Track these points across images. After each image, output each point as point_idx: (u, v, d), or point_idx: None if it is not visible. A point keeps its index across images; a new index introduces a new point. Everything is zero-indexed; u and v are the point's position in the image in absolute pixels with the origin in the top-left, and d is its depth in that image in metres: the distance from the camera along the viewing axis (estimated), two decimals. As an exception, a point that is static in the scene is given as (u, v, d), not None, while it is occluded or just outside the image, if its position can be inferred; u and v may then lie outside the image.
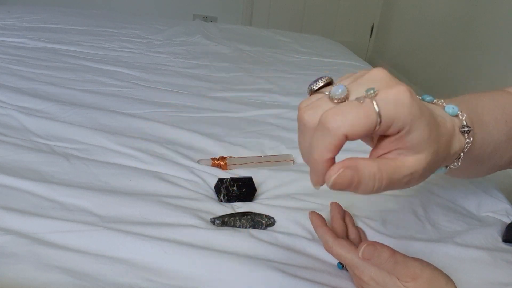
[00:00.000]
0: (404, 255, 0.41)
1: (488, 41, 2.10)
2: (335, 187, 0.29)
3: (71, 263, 0.44)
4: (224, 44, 1.51)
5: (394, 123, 0.28)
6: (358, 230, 0.55)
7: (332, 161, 0.30)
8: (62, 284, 0.41)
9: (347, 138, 0.28)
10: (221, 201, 0.59)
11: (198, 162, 0.68)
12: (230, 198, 0.59)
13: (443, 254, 0.52)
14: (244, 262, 0.46)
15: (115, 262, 0.45)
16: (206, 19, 3.20)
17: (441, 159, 0.34)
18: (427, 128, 0.30)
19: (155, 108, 0.88)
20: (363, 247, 0.41)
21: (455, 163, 0.37)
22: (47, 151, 0.66)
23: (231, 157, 0.69)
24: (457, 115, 0.36)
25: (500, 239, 0.58)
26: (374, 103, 0.28)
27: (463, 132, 0.36)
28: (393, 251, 0.41)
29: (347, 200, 0.59)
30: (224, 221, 0.53)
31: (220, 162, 0.67)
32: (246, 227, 0.53)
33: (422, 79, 2.76)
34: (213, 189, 0.61)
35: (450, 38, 2.45)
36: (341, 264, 0.46)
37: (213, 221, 0.53)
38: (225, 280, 0.44)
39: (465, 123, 0.36)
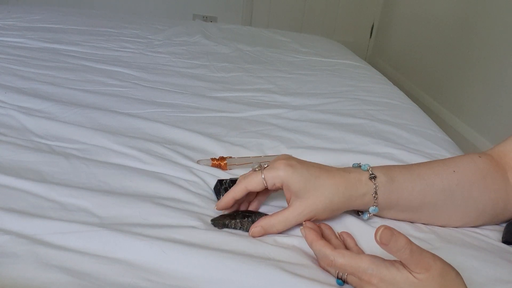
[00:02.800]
0: (417, 245, 0.41)
1: (488, 41, 2.10)
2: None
3: (70, 262, 0.44)
4: (224, 44, 1.51)
5: (275, 182, 0.52)
6: (343, 238, 0.53)
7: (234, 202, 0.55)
8: (62, 284, 0.41)
9: (247, 189, 0.53)
10: (221, 201, 0.59)
11: (198, 162, 0.68)
12: (229, 198, 0.59)
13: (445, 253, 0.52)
14: (244, 261, 0.46)
15: (115, 262, 0.44)
16: (206, 19, 3.20)
17: (347, 197, 0.52)
18: (301, 181, 0.51)
19: (155, 108, 0.88)
20: (380, 231, 0.41)
21: (374, 206, 0.53)
22: (47, 151, 0.66)
23: (231, 157, 0.69)
24: (367, 169, 0.54)
25: (498, 238, 0.58)
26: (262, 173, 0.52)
27: (371, 179, 0.53)
28: (409, 240, 0.41)
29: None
30: (225, 224, 0.53)
31: (220, 162, 0.67)
32: (247, 230, 0.53)
33: (422, 79, 2.75)
34: (213, 190, 0.61)
35: (450, 38, 2.45)
36: (341, 279, 0.45)
37: (213, 223, 0.53)
38: (224, 280, 0.44)
39: (370, 173, 0.53)
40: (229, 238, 0.50)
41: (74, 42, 1.29)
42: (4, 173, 0.57)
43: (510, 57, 1.92)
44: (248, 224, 0.53)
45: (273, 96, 1.04)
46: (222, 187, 0.58)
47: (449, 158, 0.61)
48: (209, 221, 0.53)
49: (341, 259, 0.44)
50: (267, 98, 1.02)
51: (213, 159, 0.68)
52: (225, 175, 0.65)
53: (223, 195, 0.58)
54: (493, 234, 0.59)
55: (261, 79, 1.16)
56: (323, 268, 0.48)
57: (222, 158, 0.68)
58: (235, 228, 0.53)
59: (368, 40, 3.59)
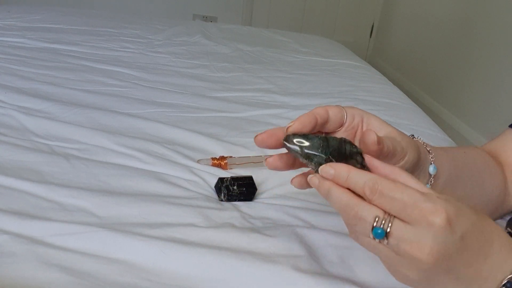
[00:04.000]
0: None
1: (488, 41, 2.10)
2: None
3: (70, 262, 0.44)
4: (224, 44, 1.51)
5: (355, 115, 0.46)
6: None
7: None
8: (62, 283, 0.41)
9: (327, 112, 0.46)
10: (222, 200, 0.59)
11: (198, 161, 0.68)
12: (230, 197, 0.58)
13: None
14: (244, 258, 0.46)
15: (115, 262, 0.44)
16: (206, 19, 3.20)
17: (415, 144, 0.47)
18: (380, 120, 0.47)
19: (155, 108, 0.88)
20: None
21: (432, 163, 0.49)
22: (47, 151, 0.66)
23: (231, 156, 0.69)
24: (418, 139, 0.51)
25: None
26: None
27: (423, 145, 0.50)
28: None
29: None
30: (290, 143, 0.42)
31: (220, 162, 0.67)
32: (317, 171, 0.40)
33: (422, 79, 2.76)
34: (214, 188, 0.61)
35: (450, 38, 2.45)
36: (381, 227, 0.33)
37: (286, 138, 0.43)
38: (225, 279, 0.44)
39: (420, 139, 0.51)
40: (229, 235, 0.50)
41: (74, 42, 1.29)
42: (4, 173, 0.57)
43: (510, 57, 1.92)
44: (320, 164, 0.39)
45: (273, 96, 1.04)
46: (223, 184, 0.58)
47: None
48: (210, 218, 0.53)
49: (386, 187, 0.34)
50: (267, 98, 1.02)
51: (213, 159, 0.68)
52: (225, 175, 0.65)
53: (224, 193, 0.58)
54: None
55: (261, 79, 1.16)
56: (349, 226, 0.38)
57: (222, 158, 0.68)
58: (307, 159, 0.41)
59: (368, 40, 3.59)
